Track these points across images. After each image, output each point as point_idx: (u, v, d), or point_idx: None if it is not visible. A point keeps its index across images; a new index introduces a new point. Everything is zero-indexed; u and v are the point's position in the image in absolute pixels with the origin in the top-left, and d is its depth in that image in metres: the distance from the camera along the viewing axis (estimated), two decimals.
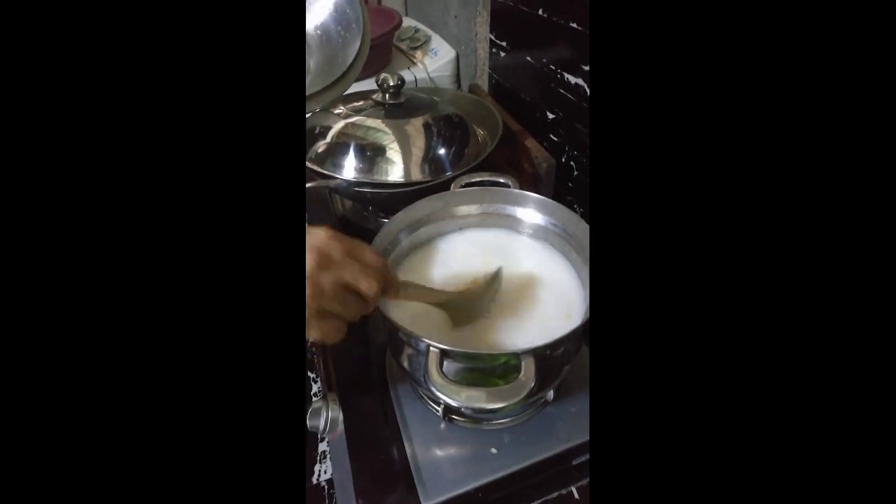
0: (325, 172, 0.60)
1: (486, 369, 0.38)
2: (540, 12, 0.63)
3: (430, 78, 0.97)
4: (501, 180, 0.52)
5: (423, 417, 0.44)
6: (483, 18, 0.86)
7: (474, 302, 0.43)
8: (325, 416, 0.42)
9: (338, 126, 0.63)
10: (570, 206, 0.58)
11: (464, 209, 0.52)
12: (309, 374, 0.60)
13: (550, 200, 0.49)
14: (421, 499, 0.39)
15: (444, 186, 0.52)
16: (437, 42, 1.01)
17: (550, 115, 0.67)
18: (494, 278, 0.45)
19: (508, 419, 0.43)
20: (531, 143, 0.69)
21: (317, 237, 0.30)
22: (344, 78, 0.55)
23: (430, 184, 0.59)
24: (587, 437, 0.42)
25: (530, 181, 0.68)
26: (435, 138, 0.63)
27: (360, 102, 0.67)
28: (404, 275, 0.47)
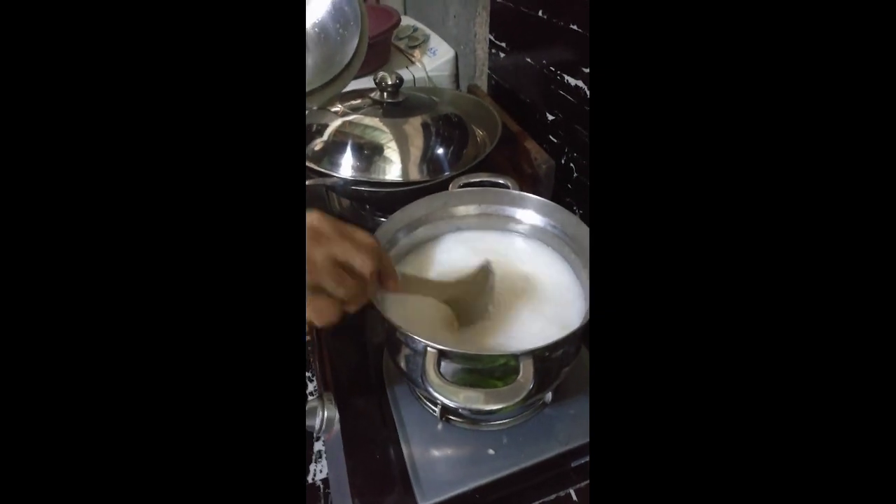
0: (323, 171, 0.60)
1: (485, 370, 0.38)
2: (540, 13, 0.63)
3: (428, 77, 0.97)
4: (500, 181, 0.52)
5: (420, 418, 0.44)
6: (482, 19, 0.86)
7: (474, 295, 0.43)
8: (321, 416, 0.42)
9: (335, 124, 0.63)
10: (569, 207, 0.58)
11: (462, 210, 0.52)
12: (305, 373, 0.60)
13: (549, 202, 0.49)
14: (417, 500, 0.39)
15: (443, 186, 0.52)
16: (436, 41, 1.01)
17: (550, 117, 0.67)
18: (484, 271, 0.44)
19: (506, 420, 0.43)
20: (530, 144, 0.69)
21: (309, 216, 0.30)
22: (341, 76, 0.55)
23: (428, 184, 0.59)
24: (586, 440, 0.42)
25: (529, 182, 0.68)
26: (433, 138, 0.63)
27: (358, 101, 0.67)
28: (398, 268, 0.47)
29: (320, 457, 0.48)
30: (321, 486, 0.45)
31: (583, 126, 0.60)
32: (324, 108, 0.65)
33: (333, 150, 0.61)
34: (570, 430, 0.43)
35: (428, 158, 0.62)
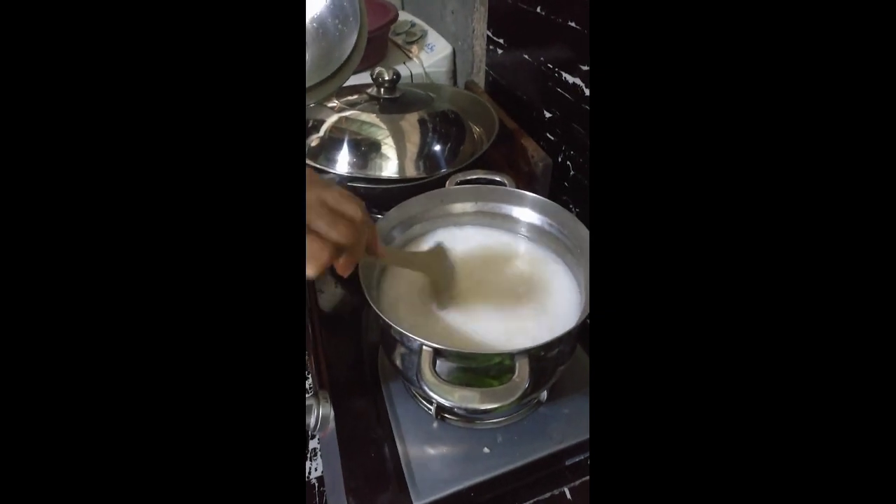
0: (319, 167, 0.60)
1: (480, 369, 0.38)
2: (538, 10, 0.63)
3: (425, 73, 0.96)
4: (497, 178, 0.52)
5: (415, 416, 0.44)
6: (480, 15, 0.85)
7: (438, 269, 0.44)
8: (316, 414, 0.42)
9: (331, 120, 0.63)
10: (565, 205, 0.58)
11: (459, 207, 0.52)
12: None
13: (546, 200, 0.48)
14: (412, 498, 0.39)
15: (439, 184, 0.52)
16: (434, 37, 1.01)
17: (547, 114, 0.67)
18: (440, 249, 0.46)
19: (502, 419, 0.43)
20: (528, 141, 0.68)
21: None
22: (340, 73, 0.54)
23: (424, 180, 0.58)
24: (581, 438, 0.42)
25: (526, 180, 0.68)
26: (430, 134, 0.63)
27: (355, 96, 0.67)
28: (399, 272, 0.47)
29: (315, 455, 0.48)
30: (316, 484, 0.45)
31: (580, 124, 0.60)
32: (320, 103, 0.65)
33: (330, 146, 0.61)
34: (565, 428, 0.43)
35: (425, 155, 0.61)
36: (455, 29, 1.00)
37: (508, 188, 0.50)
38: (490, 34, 0.80)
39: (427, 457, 0.41)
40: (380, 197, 0.63)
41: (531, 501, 0.39)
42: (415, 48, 1.00)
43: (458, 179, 0.52)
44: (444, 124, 0.64)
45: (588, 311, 0.37)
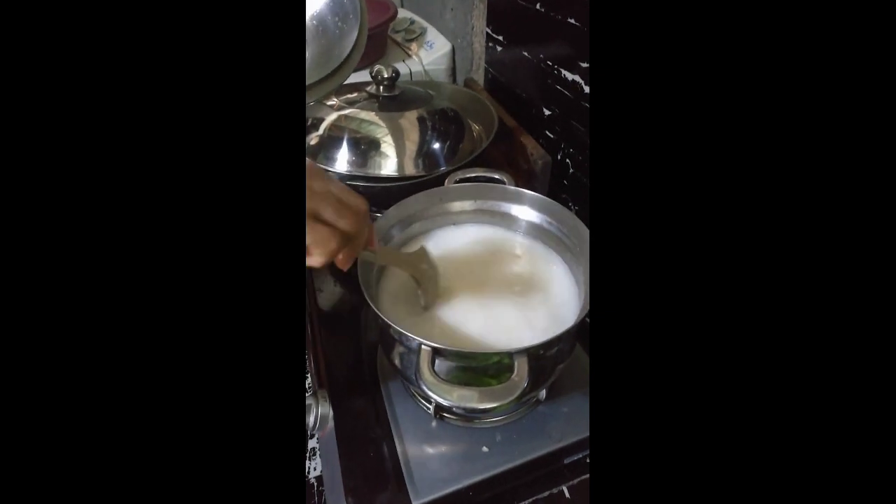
0: (318, 165, 0.59)
1: (479, 368, 0.38)
2: (538, 7, 0.63)
3: (425, 71, 0.96)
4: (496, 177, 0.52)
5: (414, 415, 0.44)
6: (480, 11, 0.85)
7: (423, 270, 0.44)
8: (315, 413, 0.42)
9: (330, 118, 0.63)
10: (564, 203, 0.57)
11: (458, 205, 0.51)
12: None
13: (545, 198, 0.48)
14: (411, 497, 0.39)
15: (438, 182, 0.52)
16: (433, 35, 1.00)
17: (547, 112, 0.67)
18: (423, 250, 0.46)
19: (500, 418, 0.43)
20: (527, 139, 0.68)
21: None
22: (340, 71, 0.54)
23: (423, 179, 0.58)
24: (579, 437, 0.42)
25: (525, 178, 0.68)
26: (429, 132, 0.62)
27: (354, 94, 0.66)
28: (399, 271, 0.47)
29: (314, 454, 0.48)
30: (315, 483, 0.45)
31: (579, 122, 0.60)
32: (320, 101, 0.65)
33: (329, 144, 0.61)
34: (564, 427, 0.43)
35: (424, 153, 0.61)
36: (454, 26, 0.99)
37: (507, 186, 0.50)
38: (489, 31, 0.80)
39: (426, 456, 0.41)
40: (379, 195, 0.62)
41: (530, 500, 0.39)
42: (414, 46, 1.00)
43: (458, 177, 0.52)
44: (444, 122, 0.64)
45: (587, 309, 0.37)
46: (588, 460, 0.41)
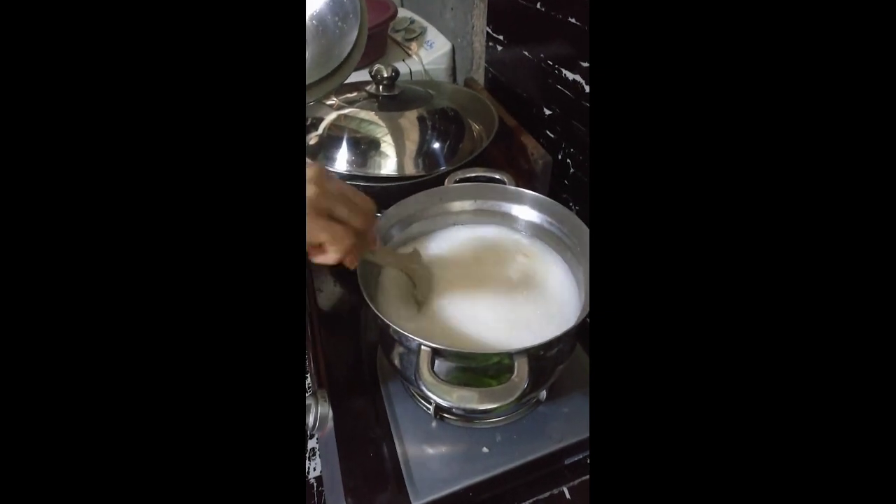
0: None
1: (479, 369, 0.38)
2: (538, 6, 0.62)
3: (425, 70, 0.96)
4: (496, 176, 0.52)
5: (414, 415, 0.43)
6: (480, 11, 0.84)
7: (417, 271, 0.44)
8: (315, 413, 0.42)
9: (330, 118, 0.62)
10: (565, 203, 0.57)
11: (458, 205, 0.51)
12: None
13: (546, 198, 0.48)
14: (411, 497, 0.39)
15: (438, 181, 0.52)
16: (433, 34, 1.00)
17: (547, 112, 0.67)
18: (416, 252, 0.46)
19: (500, 418, 0.43)
20: (527, 139, 0.68)
21: (310, 167, 0.31)
22: (340, 70, 0.53)
23: (423, 178, 0.58)
24: (580, 437, 0.42)
25: (526, 178, 0.68)
26: (429, 132, 0.62)
27: (354, 94, 0.66)
28: (398, 271, 0.47)
29: (314, 454, 0.47)
30: (315, 483, 0.45)
31: (580, 121, 0.60)
32: (320, 101, 0.64)
33: (329, 144, 0.61)
34: (564, 427, 0.43)
35: (423, 153, 0.61)
36: (454, 25, 0.99)
37: (508, 186, 0.50)
38: (490, 31, 0.80)
39: (426, 456, 0.41)
40: (379, 195, 0.62)
41: (530, 501, 0.39)
42: (414, 45, 1.00)
43: (458, 177, 0.52)
44: (444, 122, 0.64)
45: (588, 309, 0.37)
46: (588, 461, 0.41)
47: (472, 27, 0.91)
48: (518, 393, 0.31)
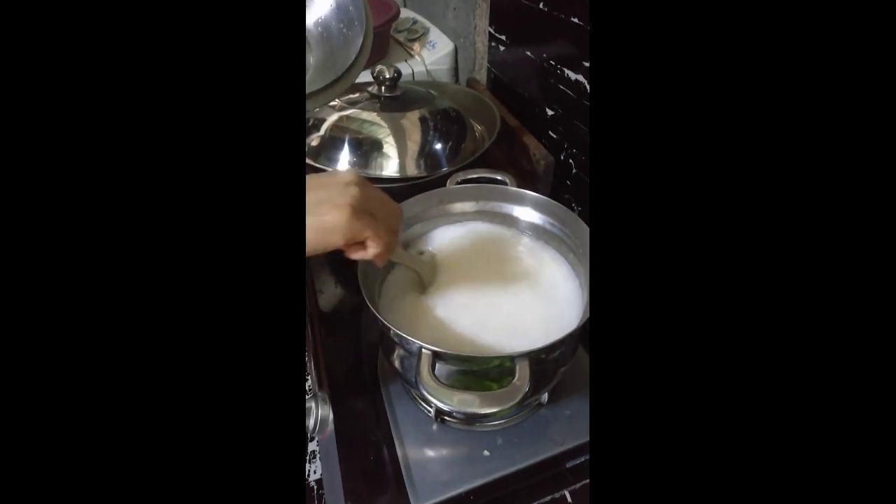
0: (319, 166, 0.59)
1: (480, 372, 0.37)
2: (541, 6, 0.62)
3: (427, 71, 0.95)
4: (498, 177, 0.51)
5: (414, 418, 0.43)
6: (482, 11, 0.84)
7: (430, 269, 0.46)
8: (315, 416, 0.41)
9: (332, 119, 0.62)
10: (567, 204, 0.57)
11: (459, 206, 0.51)
12: None
13: (547, 199, 0.48)
14: (411, 501, 0.38)
15: (440, 182, 0.51)
16: (436, 34, 1.00)
17: (550, 112, 0.66)
18: (430, 254, 0.47)
19: (502, 421, 0.43)
20: (529, 139, 0.68)
21: (349, 171, 0.33)
22: (344, 77, 0.53)
23: (425, 179, 0.58)
24: (582, 440, 0.42)
25: (528, 179, 0.68)
26: (431, 133, 0.62)
27: (356, 95, 0.66)
28: (398, 273, 0.47)
29: (314, 457, 0.47)
30: (315, 486, 0.45)
31: (582, 122, 0.59)
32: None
33: (330, 145, 0.60)
34: (566, 430, 0.42)
35: (425, 154, 0.61)
36: (456, 26, 0.99)
37: (510, 187, 0.50)
38: (492, 31, 0.79)
39: (426, 459, 0.41)
40: None
41: None
42: (416, 45, 0.99)
43: (459, 178, 0.52)
44: (446, 122, 0.64)
45: (589, 312, 0.36)
46: (590, 464, 0.41)
47: (475, 27, 0.90)
48: (519, 396, 0.31)
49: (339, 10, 0.54)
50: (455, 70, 1.00)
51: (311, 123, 0.63)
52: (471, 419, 0.43)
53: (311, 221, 0.29)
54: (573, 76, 0.59)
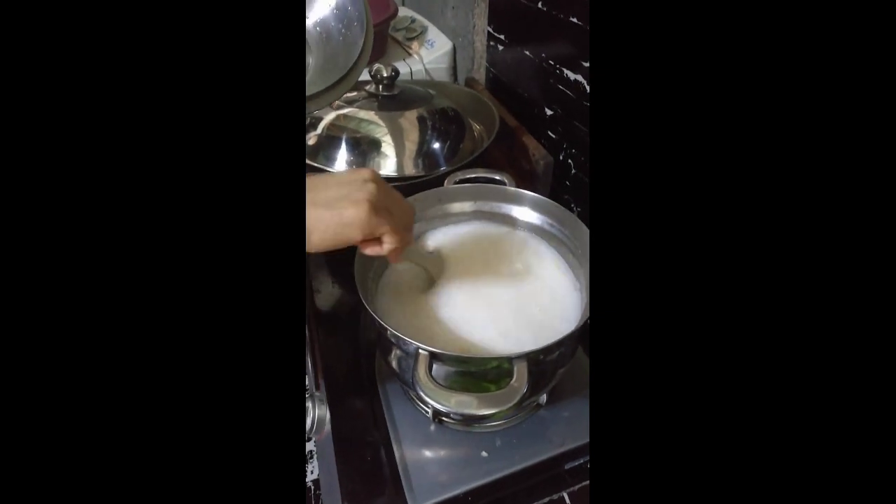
0: (317, 165, 0.59)
1: (478, 373, 0.37)
2: (539, 6, 0.62)
3: (425, 70, 0.95)
4: (497, 177, 0.51)
5: (412, 419, 0.43)
6: (481, 10, 0.84)
7: (437, 267, 0.46)
8: (312, 416, 0.41)
9: (329, 117, 0.62)
10: (566, 205, 0.57)
11: (457, 206, 0.51)
12: None
13: (547, 199, 0.48)
14: (409, 502, 0.38)
15: (439, 182, 0.51)
16: (434, 33, 1.00)
17: (549, 112, 0.66)
18: (438, 251, 0.48)
19: (500, 422, 0.43)
20: (528, 139, 0.68)
21: (367, 169, 0.34)
22: (345, 78, 0.52)
23: (423, 179, 0.58)
24: (581, 442, 0.42)
25: (527, 179, 0.67)
26: (429, 132, 0.62)
27: (353, 93, 0.66)
28: (395, 271, 0.46)
29: (311, 457, 0.47)
30: (312, 487, 0.45)
31: (582, 122, 0.59)
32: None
33: (328, 144, 0.60)
34: (565, 432, 0.42)
35: (423, 153, 0.60)
36: (455, 25, 0.99)
37: (508, 187, 0.50)
38: (491, 30, 0.79)
39: (424, 460, 0.40)
40: None
41: None
42: (415, 44, 0.99)
43: (458, 178, 0.51)
44: (444, 122, 0.63)
45: (589, 312, 0.36)
46: (589, 466, 0.41)
47: (474, 26, 0.90)
48: (517, 398, 0.31)
49: (339, 11, 0.54)
50: (454, 69, 1.00)
51: (308, 122, 0.63)
52: (469, 420, 0.43)
53: (330, 216, 0.30)
54: (572, 76, 0.59)
